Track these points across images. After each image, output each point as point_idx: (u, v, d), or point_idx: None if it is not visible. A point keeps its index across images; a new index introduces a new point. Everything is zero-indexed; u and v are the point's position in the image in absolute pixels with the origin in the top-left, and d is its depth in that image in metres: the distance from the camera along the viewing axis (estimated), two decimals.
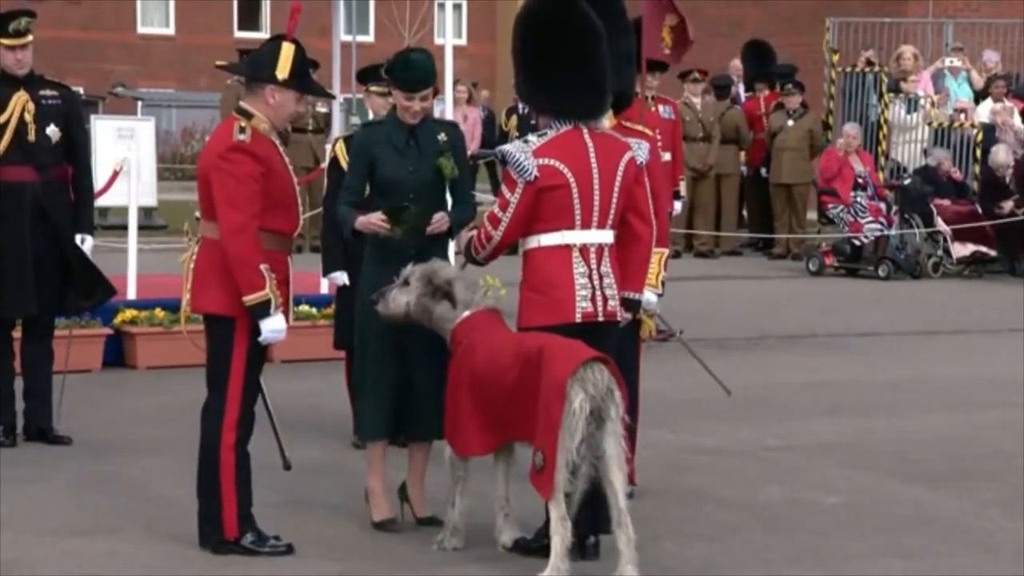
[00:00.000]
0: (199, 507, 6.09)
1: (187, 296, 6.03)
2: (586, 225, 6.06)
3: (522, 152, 6.01)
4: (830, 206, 17.64)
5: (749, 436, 8.70)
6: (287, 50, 6.04)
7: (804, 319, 13.75)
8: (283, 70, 6.01)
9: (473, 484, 6.27)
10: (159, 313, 10.56)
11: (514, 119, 18.67)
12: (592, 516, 5.93)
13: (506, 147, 6.11)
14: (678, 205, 12.66)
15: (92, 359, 10.21)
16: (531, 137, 6.12)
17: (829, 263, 17.60)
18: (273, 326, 5.91)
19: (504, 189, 6.07)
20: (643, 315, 6.83)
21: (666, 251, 7.14)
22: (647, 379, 7.35)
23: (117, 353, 10.52)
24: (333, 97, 10.45)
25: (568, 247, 6.05)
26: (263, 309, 5.87)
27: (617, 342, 6.24)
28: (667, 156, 12.33)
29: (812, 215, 19.01)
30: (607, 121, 6.39)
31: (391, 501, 6.55)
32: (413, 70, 6.48)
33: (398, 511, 6.55)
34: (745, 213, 20.47)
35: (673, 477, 7.68)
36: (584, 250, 6.06)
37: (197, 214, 6.15)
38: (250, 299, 5.85)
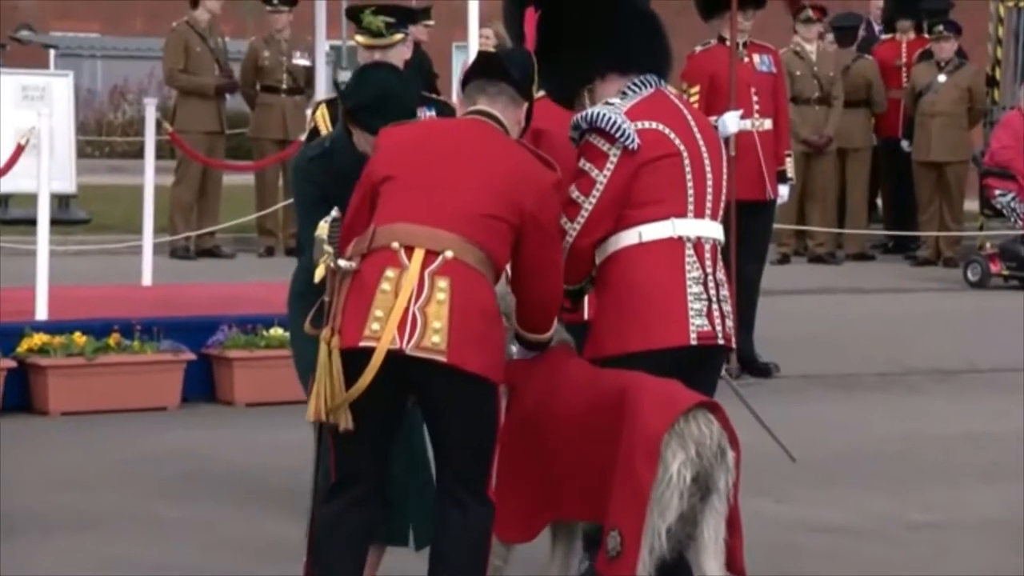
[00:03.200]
0: None
1: (385, 327, 5.77)
2: (700, 213, 6.08)
3: (615, 112, 6.03)
4: (998, 192, 17.60)
5: (885, 508, 8.70)
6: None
7: (961, 348, 13.72)
8: (536, 90, 6.22)
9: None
10: (79, 339, 10.59)
11: None
12: None
13: (593, 109, 6.10)
14: (784, 190, 12.63)
15: None
16: (614, 99, 6.13)
17: (996, 271, 17.57)
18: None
19: (586, 165, 6.04)
20: None
21: None
22: (744, 429, 7.33)
23: (21, 394, 10.56)
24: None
25: (681, 241, 6.04)
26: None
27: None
28: (767, 124, 12.34)
29: (972, 205, 18.94)
30: None
31: None
32: (385, 108, 6.33)
33: None
34: (879, 202, 20.41)
35: (782, 563, 7.68)
36: (699, 247, 6.06)
37: (335, 213, 6.03)
38: (549, 334, 6.15)
